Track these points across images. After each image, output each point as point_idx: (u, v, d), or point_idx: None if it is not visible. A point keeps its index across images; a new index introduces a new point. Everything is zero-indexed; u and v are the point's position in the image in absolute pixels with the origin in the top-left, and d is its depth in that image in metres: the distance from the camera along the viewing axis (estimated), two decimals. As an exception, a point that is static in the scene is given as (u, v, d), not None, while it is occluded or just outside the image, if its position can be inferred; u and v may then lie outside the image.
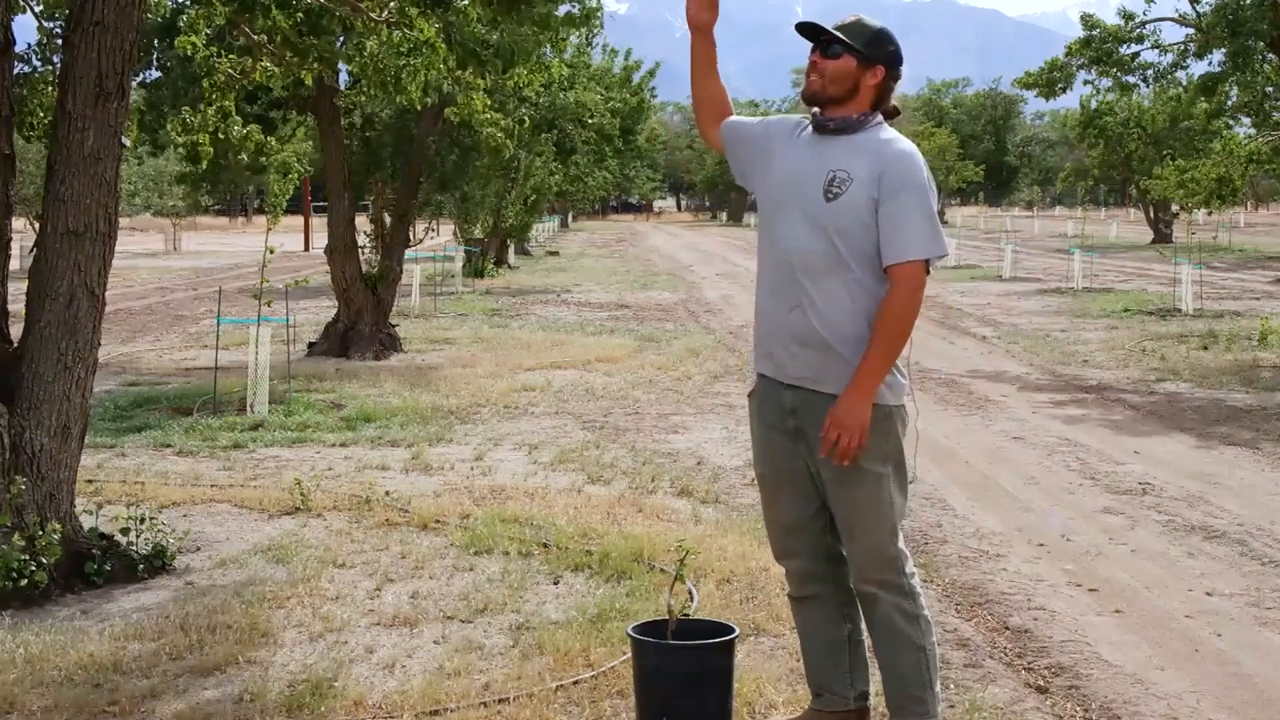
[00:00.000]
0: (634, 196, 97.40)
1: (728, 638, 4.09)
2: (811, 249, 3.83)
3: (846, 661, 4.09)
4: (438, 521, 6.87)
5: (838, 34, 3.86)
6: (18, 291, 6.12)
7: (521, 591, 5.71)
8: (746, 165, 4.11)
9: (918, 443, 3.98)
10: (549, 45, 11.61)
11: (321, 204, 17.55)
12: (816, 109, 3.94)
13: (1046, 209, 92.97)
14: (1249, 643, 5.26)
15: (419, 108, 11.69)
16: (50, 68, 7.72)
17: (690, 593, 5.45)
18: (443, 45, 9.36)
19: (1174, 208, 39.65)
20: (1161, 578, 6.14)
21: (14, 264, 6.71)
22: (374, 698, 4.52)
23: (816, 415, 3.85)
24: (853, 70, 3.86)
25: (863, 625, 4.06)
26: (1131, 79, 21.98)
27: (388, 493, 7.41)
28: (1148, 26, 21.02)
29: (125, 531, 6.03)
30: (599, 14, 12.61)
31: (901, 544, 3.94)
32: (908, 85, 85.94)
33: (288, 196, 10.85)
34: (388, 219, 16.10)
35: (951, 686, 4.67)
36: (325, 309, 18.12)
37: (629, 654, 4.31)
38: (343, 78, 13.95)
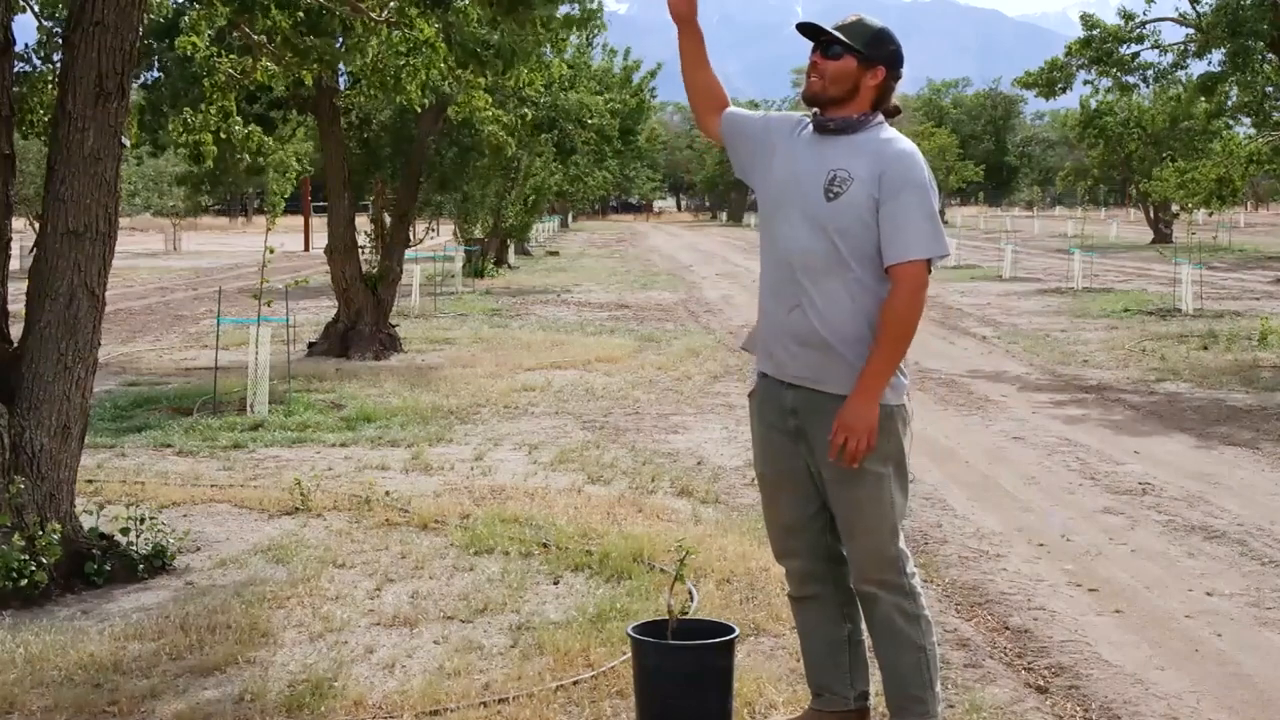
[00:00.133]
0: (634, 196, 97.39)
1: (728, 638, 4.09)
2: (812, 249, 3.83)
3: (846, 661, 4.09)
4: (438, 521, 6.87)
5: (838, 35, 3.86)
6: (18, 291, 6.12)
7: (521, 591, 5.71)
8: (746, 160, 4.10)
9: (912, 442, 3.98)
10: (549, 45, 11.61)
11: (321, 204, 17.54)
12: (817, 109, 3.94)
13: (1046, 209, 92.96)
14: (1249, 643, 5.26)
15: (418, 109, 11.70)
16: (50, 67, 7.72)
17: (690, 593, 5.45)
18: (442, 45, 9.37)
19: (1174, 208, 39.67)
20: (1161, 578, 6.14)
21: (14, 264, 6.71)
22: (374, 698, 4.52)
23: (817, 415, 3.85)
24: (853, 71, 3.86)
25: (863, 625, 4.06)
26: (1131, 79, 21.96)
27: (388, 493, 7.41)
28: (1148, 26, 21.01)
29: (125, 531, 6.03)
30: (599, 14, 12.61)
31: (902, 544, 3.94)
32: (908, 85, 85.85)
33: (286, 195, 10.86)
34: (388, 219, 16.10)
35: (951, 686, 4.67)
36: (325, 309, 18.12)
37: (629, 654, 4.31)
38: (343, 78, 13.96)
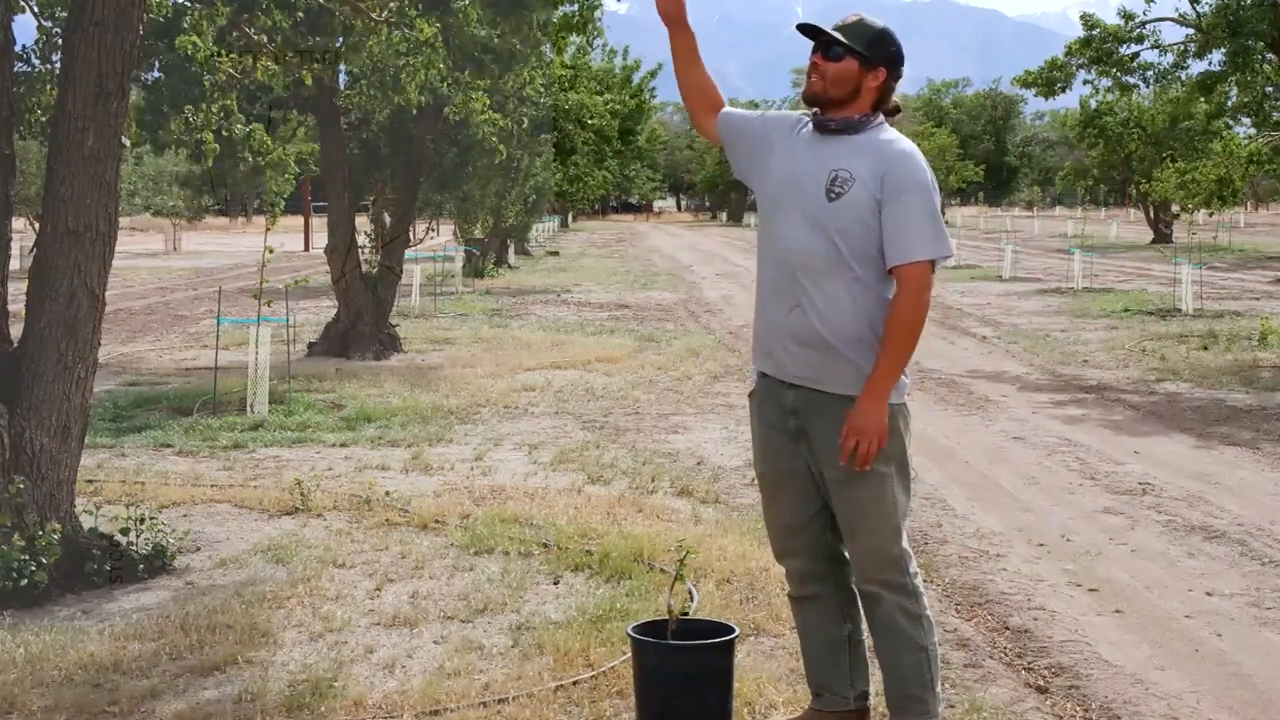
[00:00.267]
0: (634, 196, 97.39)
1: (728, 638, 4.09)
2: (812, 249, 3.82)
3: (846, 661, 4.08)
4: (438, 521, 6.87)
5: (839, 36, 3.85)
6: (18, 291, 6.12)
7: (521, 591, 5.71)
8: (745, 161, 4.10)
9: (911, 441, 3.98)
10: (549, 46, 11.62)
11: (321, 204, 17.54)
12: (817, 109, 3.94)
13: (1046, 209, 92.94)
14: (1249, 643, 5.26)
15: (415, 110, 11.70)
16: (50, 67, 7.71)
17: (690, 593, 5.45)
18: (442, 45, 9.37)
19: (1174, 208, 39.67)
20: (1161, 578, 6.14)
21: (14, 264, 6.71)
22: (374, 698, 4.52)
23: (818, 415, 3.85)
24: (854, 72, 3.85)
25: (863, 625, 4.06)
26: (1131, 79, 22.00)
27: (388, 493, 7.41)
28: (1148, 26, 21.05)
29: (125, 531, 6.03)
30: (599, 16, 12.62)
31: (905, 543, 3.94)
32: (908, 85, 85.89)
33: (285, 195, 10.86)
34: (388, 219, 16.09)
35: (951, 686, 4.66)
36: (325, 309, 18.12)
37: (629, 654, 4.31)
38: (343, 78, 13.95)
